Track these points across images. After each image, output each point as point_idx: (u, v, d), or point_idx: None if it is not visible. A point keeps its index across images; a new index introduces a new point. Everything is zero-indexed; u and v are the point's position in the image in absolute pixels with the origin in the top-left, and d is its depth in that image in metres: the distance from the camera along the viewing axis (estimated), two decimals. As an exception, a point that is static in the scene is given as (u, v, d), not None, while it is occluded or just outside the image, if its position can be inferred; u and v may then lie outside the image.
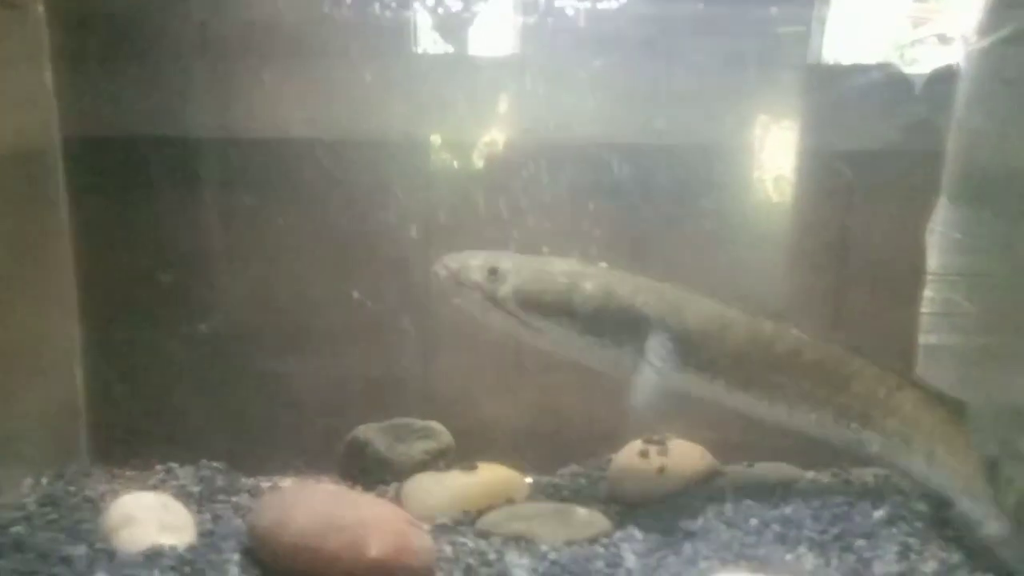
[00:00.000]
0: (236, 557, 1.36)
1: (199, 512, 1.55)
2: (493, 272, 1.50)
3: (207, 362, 1.88)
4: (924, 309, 1.76)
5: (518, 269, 1.52)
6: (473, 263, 1.51)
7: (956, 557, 1.39)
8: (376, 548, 1.24)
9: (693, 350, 1.52)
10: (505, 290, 1.50)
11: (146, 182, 1.80)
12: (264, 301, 1.88)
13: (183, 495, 1.61)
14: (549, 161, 1.85)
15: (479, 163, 1.88)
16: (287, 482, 1.73)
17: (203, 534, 1.45)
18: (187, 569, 1.32)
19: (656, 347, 1.50)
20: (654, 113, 1.82)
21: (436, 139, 1.86)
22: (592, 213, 1.84)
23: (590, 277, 1.53)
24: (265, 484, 1.73)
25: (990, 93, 1.68)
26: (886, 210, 1.87)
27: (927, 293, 1.76)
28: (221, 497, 1.64)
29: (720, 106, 1.84)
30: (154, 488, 1.65)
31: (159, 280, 1.81)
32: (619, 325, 1.51)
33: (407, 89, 1.81)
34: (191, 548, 1.38)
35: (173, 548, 1.36)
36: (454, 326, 1.81)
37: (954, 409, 1.48)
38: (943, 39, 1.87)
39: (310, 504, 1.34)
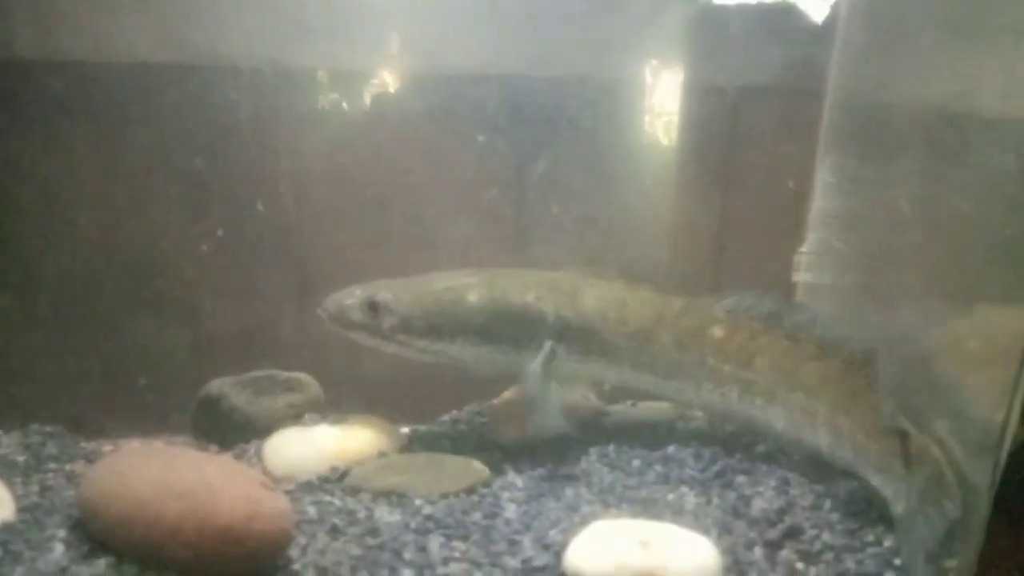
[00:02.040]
0: (62, 533, 1.19)
1: (24, 484, 1.37)
2: (373, 308, 1.45)
3: (44, 315, 1.67)
4: (803, 249, 1.77)
5: (398, 298, 1.45)
6: (350, 303, 1.46)
7: (832, 488, 1.40)
8: (222, 515, 1.11)
9: (594, 336, 1.47)
10: (390, 323, 1.45)
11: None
12: (110, 245, 1.68)
13: (4, 466, 1.42)
14: (421, 92, 1.73)
15: (348, 95, 1.73)
16: (132, 444, 1.55)
17: (25, 509, 1.28)
18: (-1, 550, 1.15)
19: (556, 345, 1.46)
20: (535, 44, 1.72)
21: (301, 67, 1.69)
22: (467, 146, 1.73)
23: (474, 287, 1.47)
24: (108, 448, 1.55)
25: (859, 33, 1.67)
26: (769, 147, 1.85)
27: (808, 234, 1.78)
28: (52, 465, 1.46)
29: (603, 39, 1.75)
30: (-33, 459, 1.45)
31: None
32: (515, 328, 1.46)
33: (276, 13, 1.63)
34: (6, 527, 1.21)
35: (-18, 527, 1.18)
36: (326, 270, 1.68)
37: (868, 381, 1.38)
38: None
39: (147, 468, 1.18)
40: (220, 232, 1.71)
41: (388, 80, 1.76)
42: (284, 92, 1.69)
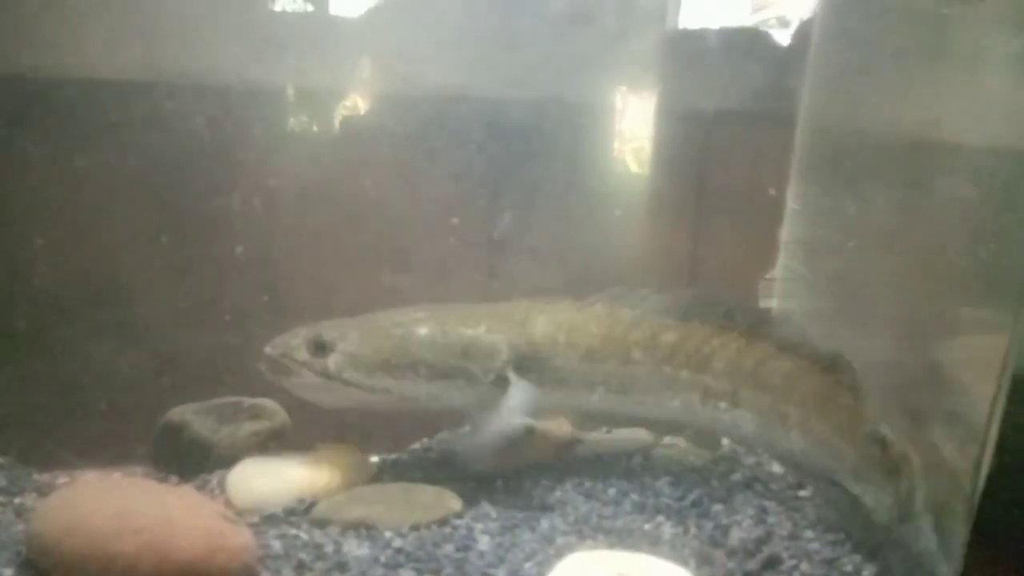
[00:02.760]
0: (9, 572, 1.13)
1: (-31, 518, 1.30)
2: (319, 347, 1.40)
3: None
4: (768, 275, 1.78)
5: (344, 335, 1.41)
6: (295, 343, 1.40)
7: (811, 516, 1.38)
8: (183, 550, 1.06)
9: (546, 363, 1.44)
10: (337, 360, 1.39)
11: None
12: (69, 266, 1.62)
13: (-52, 498, 1.35)
14: (395, 112, 1.71)
15: (323, 115, 1.71)
16: (87, 476, 1.48)
17: (-31, 545, 1.21)
18: (-64, 594, 1.09)
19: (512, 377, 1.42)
20: (510, 66, 1.71)
21: (272, 86, 1.66)
22: (446, 166, 1.71)
23: (423, 321, 1.43)
24: (62, 480, 1.48)
25: (829, 60, 1.70)
26: (740, 171, 1.86)
27: (778, 259, 1.79)
28: (0, 499, 1.38)
29: (578, 60, 1.75)
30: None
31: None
32: (468, 361, 1.41)
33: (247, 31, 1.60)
34: (-52, 565, 1.14)
35: (-80, 567, 1.12)
36: (297, 293, 1.64)
37: (841, 378, 1.36)
38: (783, 22, 1.88)
39: (103, 501, 1.13)
40: (183, 253, 1.66)
41: (360, 100, 1.74)
42: (254, 111, 1.65)
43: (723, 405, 1.43)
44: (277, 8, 1.68)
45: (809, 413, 1.36)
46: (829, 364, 1.37)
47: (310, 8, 1.71)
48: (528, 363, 1.44)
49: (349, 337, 1.41)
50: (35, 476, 1.49)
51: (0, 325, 1.61)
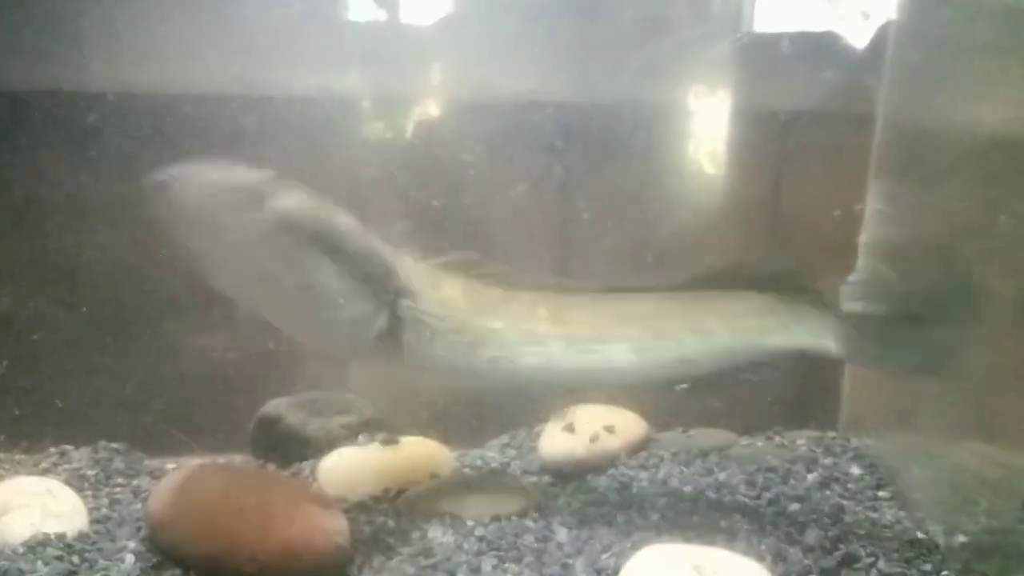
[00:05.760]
0: (132, 544, 1.24)
1: (95, 497, 1.43)
2: (255, 193, 1.14)
3: (105, 336, 1.73)
4: (851, 277, 1.75)
5: (289, 186, 1.18)
6: (223, 180, 1.14)
7: (889, 516, 1.38)
8: (282, 531, 1.14)
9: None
10: (272, 211, 1.14)
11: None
12: (178, 264, 1.74)
13: (76, 479, 1.49)
14: (472, 119, 1.77)
15: (395, 121, 1.78)
16: (194, 462, 1.60)
17: (97, 521, 1.33)
18: (75, 559, 1.21)
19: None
20: (587, 71, 1.75)
21: (350, 95, 1.74)
22: (519, 172, 1.76)
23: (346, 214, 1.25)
24: (170, 465, 1.60)
25: (909, 59, 1.67)
26: (817, 173, 1.84)
27: (859, 261, 1.76)
28: (120, 480, 1.52)
29: (653, 66, 1.77)
30: (44, 472, 1.51)
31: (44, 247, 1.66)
32: (377, 271, 1.24)
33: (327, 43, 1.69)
34: (81, 536, 1.26)
35: (61, 536, 1.24)
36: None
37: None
38: (865, 15, 1.85)
39: (211, 485, 1.23)
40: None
41: (435, 107, 1.79)
42: (334, 119, 1.73)
43: (594, 346, 1.33)
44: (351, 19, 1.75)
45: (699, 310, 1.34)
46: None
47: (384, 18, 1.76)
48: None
49: (293, 191, 1.19)
50: (146, 461, 1.62)
51: (110, 320, 1.74)
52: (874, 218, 1.78)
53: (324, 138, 1.72)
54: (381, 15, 1.74)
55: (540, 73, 1.75)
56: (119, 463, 1.57)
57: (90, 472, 1.53)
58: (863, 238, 1.79)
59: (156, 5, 1.63)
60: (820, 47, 1.83)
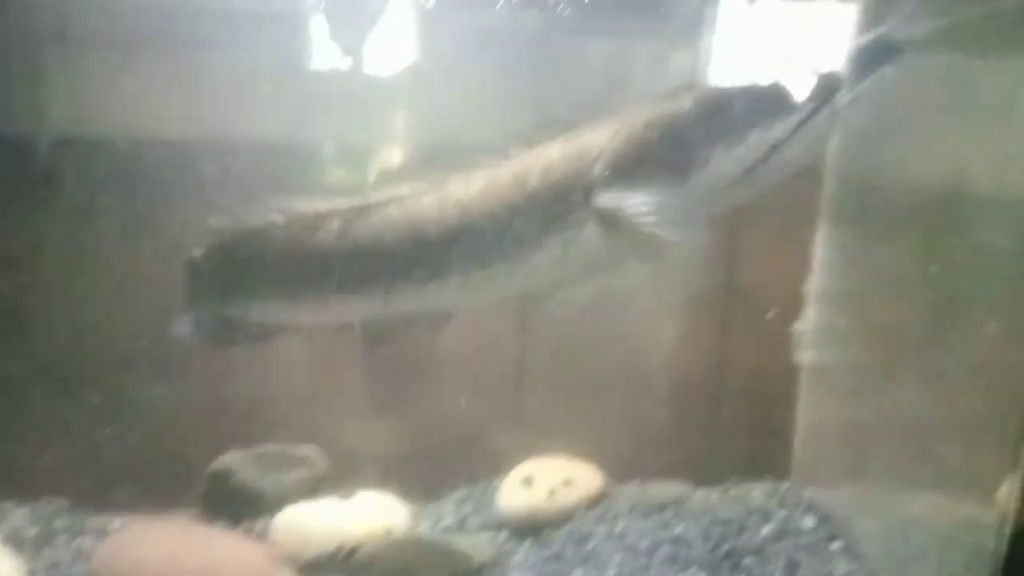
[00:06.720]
0: (71, 610, 1.20)
1: (33, 558, 1.38)
2: None
3: (49, 387, 1.68)
4: (803, 326, 1.79)
5: None
6: None
7: (842, 569, 1.39)
8: (231, 593, 1.11)
9: None
10: None
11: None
12: (112, 317, 1.71)
13: (15, 540, 1.43)
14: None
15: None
16: (141, 520, 1.55)
17: (35, 584, 1.29)
18: (10, 627, 1.16)
19: None
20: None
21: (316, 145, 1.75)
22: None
23: None
24: (116, 523, 1.55)
25: (856, 115, 1.73)
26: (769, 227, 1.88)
27: (806, 311, 1.80)
28: (61, 540, 1.46)
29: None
30: (-19, 532, 1.46)
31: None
32: None
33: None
34: (17, 602, 1.21)
35: (-6, 603, 1.19)
36: (331, 343, 1.70)
37: None
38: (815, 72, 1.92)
39: (157, 545, 1.20)
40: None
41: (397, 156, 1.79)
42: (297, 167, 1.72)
43: None
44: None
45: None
46: None
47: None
48: None
49: None
50: (91, 519, 1.56)
51: (54, 370, 1.70)
52: (823, 267, 1.83)
53: (286, 185, 1.73)
54: (346, 63, 1.76)
55: (502, 125, 1.78)
56: (62, 521, 1.52)
57: (31, 531, 1.47)
58: (811, 286, 1.83)
59: (119, 51, 1.64)
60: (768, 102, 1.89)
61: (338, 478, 1.61)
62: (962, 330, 1.38)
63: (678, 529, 1.51)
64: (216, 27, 1.62)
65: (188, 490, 1.61)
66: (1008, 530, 1.16)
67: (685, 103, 1.16)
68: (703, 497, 1.66)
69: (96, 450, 1.68)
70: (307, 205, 1.32)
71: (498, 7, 1.67)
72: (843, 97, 1.16)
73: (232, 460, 1.57)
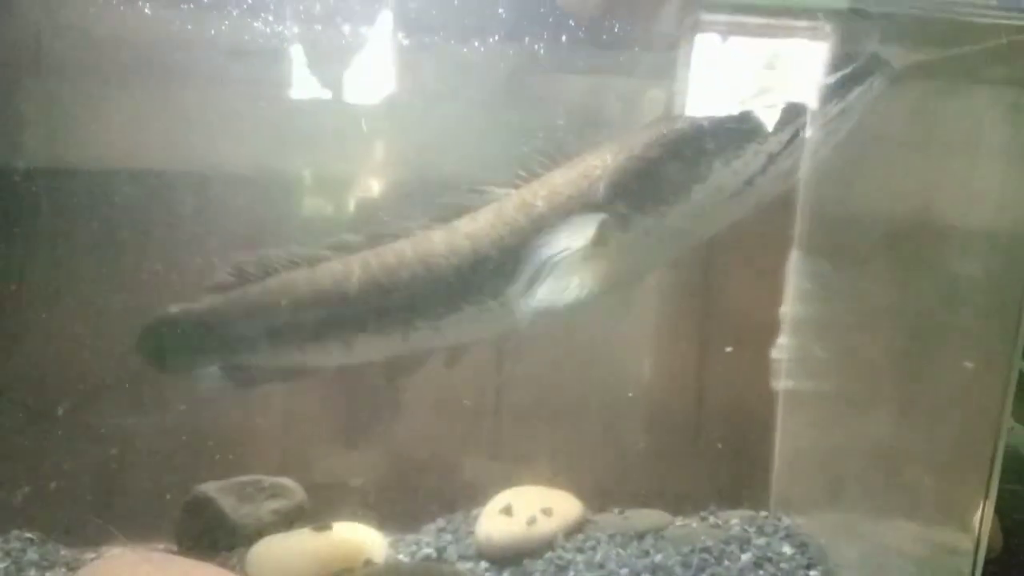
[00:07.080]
0: (39, 645, 1.17)
1: (2, 593, 1.36)
2: None
3: (20, 417, 1.66)
4: (780, 356, 1.80)
5: None
6: None
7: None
8: (204, 626, 1.10)
9: None
10: None
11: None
12: (85, 347, 1.69)
13: (-16, 574, 1.41)
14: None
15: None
16: (113, 553, 1.53)
17: (3, 620, 1.26)
18: (-25, 665, 1.13)
19: None
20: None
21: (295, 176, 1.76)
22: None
23: None
24: (89, 556, 1.52)
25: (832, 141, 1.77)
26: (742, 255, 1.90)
27: (782, 340, 1.82)
28: (32, 573, 1.44)
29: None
30: (-51, 567, 1.43)
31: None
32: None
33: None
34: (-16, 638, 1.19)
35: (-40, 640, 1.17)
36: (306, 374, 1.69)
37: None
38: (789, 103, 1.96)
39: (130, 578, 1.18)
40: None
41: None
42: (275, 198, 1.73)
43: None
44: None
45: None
46: None
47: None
48: None
49: None
50: (63, 551, 1.54)
51: (25, 400, 1.68)
52: (798, 295, 1.85)
53: (264, 217, 1.74)
54: (326, 94, 1.78)
55: (482, 159, 1.80)
56: (33, 554, 1.49)
57: (0, 565, 1.45)
58: (785, 312, 1.85)
59: (97, 82, 1.65)
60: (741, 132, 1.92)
61: (315, 509, 1.60)
62: (936, 359, 1.40)
63: (658, 557, 1.51)
64: (195, 59, 1.64)
65: (163, 521, 1.60)
66: (982, 556, 1.17)
67: (681, 123, 1.21)
68: (682, 525, 1.66)
69: (69, 481, 1.67)
70: (316, 251, 1.38)
71: (475, 43, 1.71)
72: (835, 106, 1.24)
73: (208, 490, 1.56)
